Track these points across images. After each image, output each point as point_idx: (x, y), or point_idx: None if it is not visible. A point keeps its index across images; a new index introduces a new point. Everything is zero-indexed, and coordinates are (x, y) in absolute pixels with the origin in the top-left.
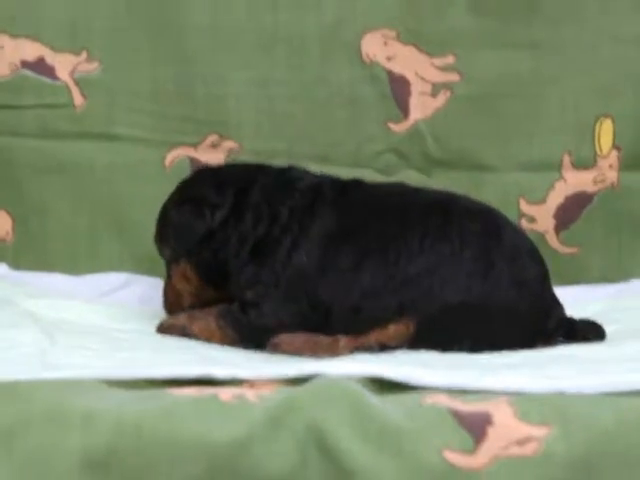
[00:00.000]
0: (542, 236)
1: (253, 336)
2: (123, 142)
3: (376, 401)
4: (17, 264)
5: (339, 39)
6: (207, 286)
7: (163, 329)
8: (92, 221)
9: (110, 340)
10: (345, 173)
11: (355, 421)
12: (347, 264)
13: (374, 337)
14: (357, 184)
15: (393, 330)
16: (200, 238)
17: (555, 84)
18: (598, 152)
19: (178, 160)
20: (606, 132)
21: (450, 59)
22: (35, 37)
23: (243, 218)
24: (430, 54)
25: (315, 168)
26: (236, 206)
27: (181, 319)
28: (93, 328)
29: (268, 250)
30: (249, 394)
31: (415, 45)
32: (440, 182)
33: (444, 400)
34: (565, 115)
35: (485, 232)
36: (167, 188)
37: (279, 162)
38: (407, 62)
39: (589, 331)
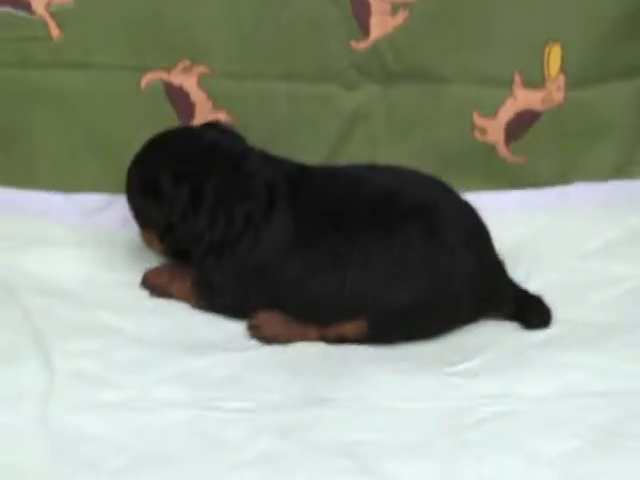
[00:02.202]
0: (493, 147)
1: (224, 313)
2: (100, 69)
3: None
4: (4, 182)
5: None
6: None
7: (146, 286)
8: (74, 143)
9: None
10: (310, 89)
11: None
12: (298, 272)
13: (334, 331)
14: (308, 178)
15: (349, 328)
16: (162, 227)
17: (509, 4)
18: (547, 75)
19: (152, 84)
20: (554, 57)
21: None
22: None
23: (199, 217)
24: None
25: (282, 86)
26: (192, 203)
27: (163, 279)
28: (86, 306)
29: (225, 250)
30: None
31: None
32: (400, 94)
33: None
34: (517, 35)
35: (427, 233)
36: (143, 110)
37: (249, 85)
38: None
39: (534, 314)
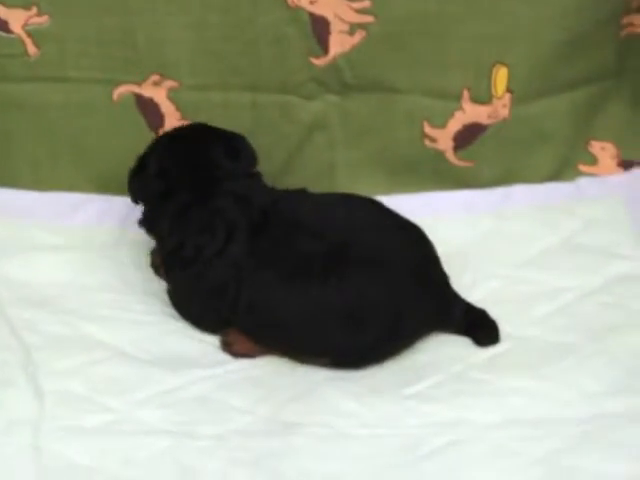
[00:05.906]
0: (442, 153)
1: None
2: (74, 83)
3: None
4: None
5: None
6: None
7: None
8: (51, 148)
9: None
10: (272, 99)
11: None
12: (249, 312)
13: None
14: (270, 226)
15: (313, 361)
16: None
17: (458, 25)
18: (493, 93)
19: (124, 96)
20: (501, 78)
21: (366, 3)
22: None
23: (161, 220)
24: None
25: (246, 97)
26: (159, 202)
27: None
28: (67, 316)
29: (177, 265)
30: None
31: None
32: (355, 104)
33: None
34: (466, 55)
35: (376, 280)
36: (115, 119)
37: (214, 96)
38: (327, 5)
39: (482, 331)
